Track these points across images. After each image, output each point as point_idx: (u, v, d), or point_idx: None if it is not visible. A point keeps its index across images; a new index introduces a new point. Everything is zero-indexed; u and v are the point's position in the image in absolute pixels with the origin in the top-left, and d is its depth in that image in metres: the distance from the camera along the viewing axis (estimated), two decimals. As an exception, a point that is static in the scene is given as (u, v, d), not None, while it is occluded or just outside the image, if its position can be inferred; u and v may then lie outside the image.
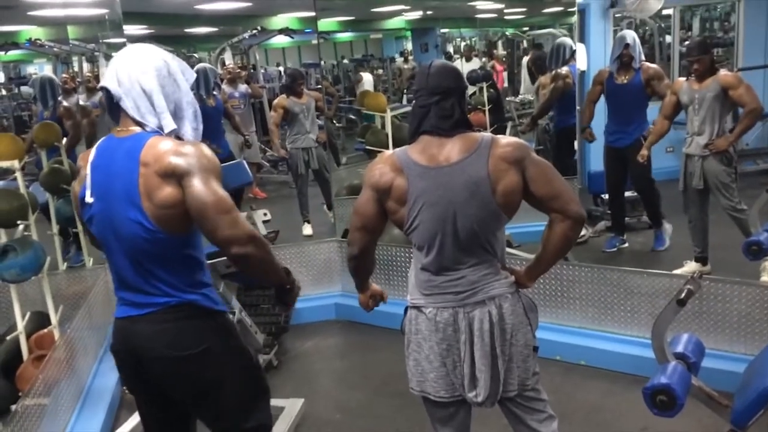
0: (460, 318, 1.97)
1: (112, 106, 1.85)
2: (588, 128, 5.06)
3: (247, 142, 6.68)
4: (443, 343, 2.00)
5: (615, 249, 5.06)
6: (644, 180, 4.89)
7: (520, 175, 1.91)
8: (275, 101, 6.03)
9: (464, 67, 7.68)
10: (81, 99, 6.23)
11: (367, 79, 9.52)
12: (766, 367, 2.26)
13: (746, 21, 6.74)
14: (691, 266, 4.35)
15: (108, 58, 6.68)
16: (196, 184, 1.71)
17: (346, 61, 12.74)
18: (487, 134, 1.97)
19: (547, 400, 2.11)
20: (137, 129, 1.81)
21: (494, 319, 1.95)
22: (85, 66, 7.37)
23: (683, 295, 2.15)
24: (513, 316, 1.98)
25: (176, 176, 1.72)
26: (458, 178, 1.90)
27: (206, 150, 1.78)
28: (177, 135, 1.85)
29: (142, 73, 1.80)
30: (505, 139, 1.96)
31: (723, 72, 4.12)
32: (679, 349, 2.28)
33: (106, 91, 1.82)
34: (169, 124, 1.82)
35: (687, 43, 5.45)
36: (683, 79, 4.27)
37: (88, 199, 1.83)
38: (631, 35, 4.75)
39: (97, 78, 6.66)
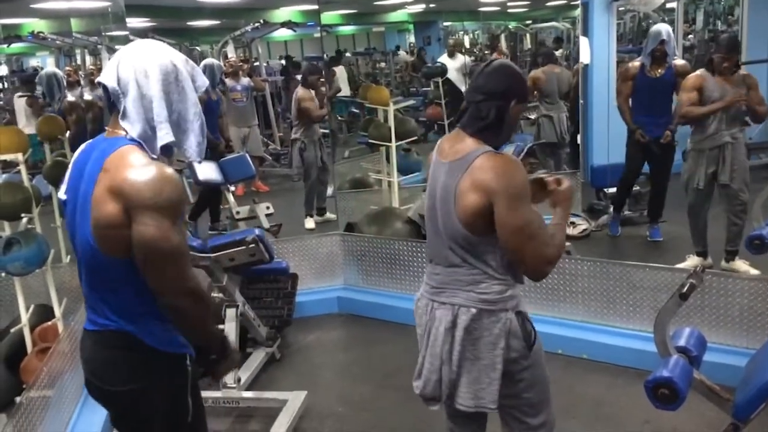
0: (429, 310, 2.04)
1: (110, 103, 1.65)
2: (638, 128, 4.84)
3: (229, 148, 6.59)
4: (419, 329, 2.10)
5: (619, 233, 5.15)
6: (666, 172, 4.92)
7: (484, 201, 1.83)
8: (303, 94, 5.97)
9: (447, 64, 7.71)
10: (85, 92, 6.24)
11: (340, 73, 9.44)
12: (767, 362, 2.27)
13: (750, 14, 6.70)
14: (693, 260, 4.36)
15: (111, 51, 6.68)
16: (148, 223, 1.50)
17: (348, 54, 12.71)
18: (481, 149, 1.89)
19: (528, 423, 2.06)
20: (123, 132, 1.61)
21: (447, 325, 1.98)
22: (88, 59, 7.36)
23: (686, 288, 2.15)
24: (473, 332, 1.94)
25: (121, 199, 1.51)
26: (442, 177, 1.96)
27: (172, 183, 1.54)
28: (170, 148, 1.65)
29: (144, 76, 1.59)
30: (489, 163, 1.85)
31: (745, 71, 4.15)
32: (681, 342, 2.29)
33: (104, 87, 1.63)
34: (166, 136, 1.60)
35: (718, 37, 5.42)
36: (704, 73, 4.16)
37: (61, 195, 1.69)
38: (666, 30, 4.69)
39: (100, 71, 6.67)
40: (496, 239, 1.89)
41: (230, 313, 3.43)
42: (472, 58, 10.46)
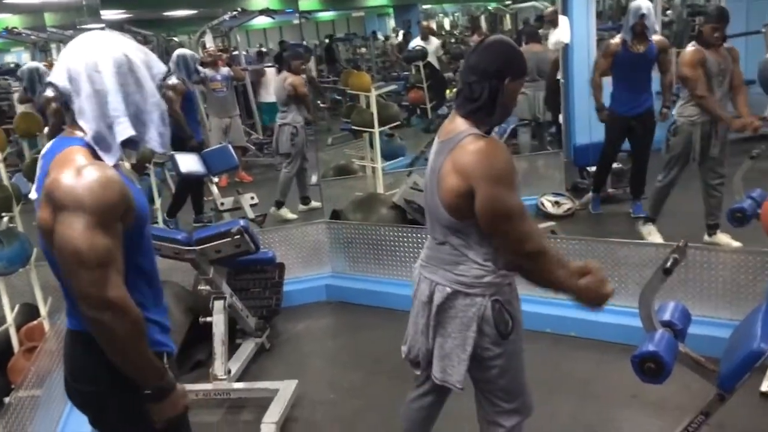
0: (418, 281, 2.10)
1: (64, 103, 1.55)
2: (605, 108, 4.93)
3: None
4: (413, 294, 2.15)
5: (601, 211, 5.20)
6: (646, 150, 4.97)
7: (465, 185, 1.82)
8: (295, 79, 5.88)
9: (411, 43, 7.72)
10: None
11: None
12: (751, 332, 2.29)
13: (727, -11, 6.73)
14: (651, 228, 4.49)
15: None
16: (63, 224, 1.40)
17: (328, 40, 12.63)
18: (468, 131, 1.87)
19: (501, 407, 2.09)
20: (80, 133, 1.52)
21: (423, 299, 2.04)
22: (64, 53, 7.22)
23: (669, 263, 2.16)
24: (447, 311, 1.98)
25: (52, 200, 1.43)
26: (433, 156, 1.98)
27: (103, 183, 1.42)
28: (134, 141, 1.56)
29: (95, 70, 1.49)
30: (471, 147, 1.83)
31: (729, 44, 4.20)
32: (666, 317, 2.31)
33: (54, 87, 1.53)
34: (125, 131, 1.52)
35: (707, 9, 5.46)
36: (700, 48, 4.12)
37: (32, 194, 1.58)
38: (646, 5, 4.68)
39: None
40: (474, 225, 1.89)
41: (218, 304, 3.43)
42: (453, 40, 10.45)
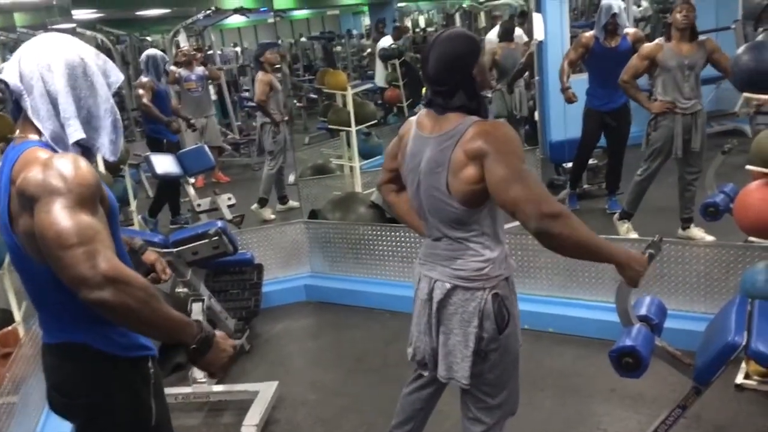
0: (418, 280, 2.09)
1: (14, 104, 1.52)
2: (569, 88, 4.96)
3: (192, 127, 6.50)
4: (414, 294, 2.12)
5: (578, 207, 5.20)
6: (623, 145, 5.01)
7: (479, 169, 1.82)
8: (264, 78, 5.83)
9: (379, 43, 7.73)
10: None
11: None
12: (725, 325, 2.33)
13: (698, -15, 6.82)
14: (626, 225, 4.54)
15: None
16: (40, 213, 1.35)
17: (303, 39, 12.58)
18: (468, 120, 1.87)
19: (485, 402, 2.07)
20: (34, 136, 1.49)
21: (424, 297, 2.04)
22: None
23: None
24: (448, 307, 1.98)
25: (27, 199, 1.38)
26: (428, 151, 1.94)
27: (77, 167, 1.39)
28: (86, 147, 1.53)
29: (48, 70, 1.47)
30: (478, 130, 1.83)
31: (704, 37, 4.26)
32: (643, 311, 2.34)
33: (5, 84, 1.49)
34: (75, 133, 1.48)
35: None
36: (662, 42, 4.24)
37: None
38: (617, 3, 4.73)
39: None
40: (483, 212, 1.90)
41: (196, 307, 3.40)
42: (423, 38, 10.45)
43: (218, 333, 1.59)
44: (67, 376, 1.60)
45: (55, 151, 1.47)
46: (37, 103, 1.48)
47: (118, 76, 1.60)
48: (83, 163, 1.43)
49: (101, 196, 1.46)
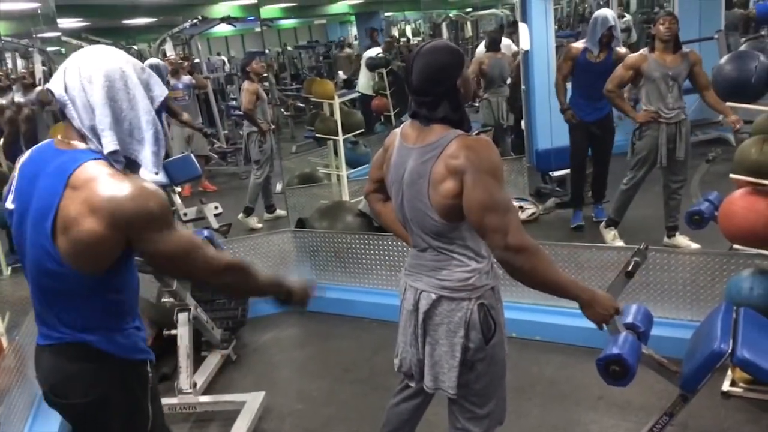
0: (404, 290, 2.09)
1: (61, 112, 1.59)
2: (570, 108, 4.96)
3: (204, 133, 6.50)
4: (400, 305, 2.12)
5: (583, 222, 5.11)
6: (607, 155, 5.03)
7: (458, 185, 1.82)
8: (250, 87, 5.84)
9: (366, 53, 7.76)
10: (17, 96, 6.02)
11: None
12: (711, 333, 2.35)
13: (681, -3, 6.91)
14: (613, 233, 4.55)
15: (43, 53, 6.47)
16: (155, 239, 1.52)
17: (290, 48, 12.60)
18: (451, 133, 1.86)
19: (473, 412, 2.06)
20: (79, 144, 1.55)
21: (409, 308, 2.03)
22: (20, 62, 7.11)
23: (631, 266, 2.21)
24: (434, 318, 1.97)
25: (110, 220, 1.47)
26: (410, 162, 1.93)
27: (155, 194, 1.52)
28: (132, 160, 1.60)
29: (89, 82, 1.53)
30: (460, 145, 1.83)
31: (688, 49, 4.31)
32: (629, 319, 2.35)
33: (52, 94, 1.57)
34: (110, 144, 1.53)
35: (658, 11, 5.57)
36: (646, 53, 4.27)
37: (8, 204, 1.61)
38: (612, 16, 4.73)
39: (32, 74, 6.44)
40: (465, 225, 1.90)
41: (182, 317, 3.37)
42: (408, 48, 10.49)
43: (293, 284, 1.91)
44: (66, 376, 1.63)
45: (110, 163, 1.54)
46: (81, 114, 1.54)
47: (162, 91, 1.65)
48: (155, 187, 1.55)
49: None
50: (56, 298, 1.60)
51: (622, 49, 4.85)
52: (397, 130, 2.07)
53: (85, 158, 1.52)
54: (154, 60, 6.06)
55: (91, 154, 1.53)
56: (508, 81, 6.12)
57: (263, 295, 1.87)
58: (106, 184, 1.48)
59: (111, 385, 1.64)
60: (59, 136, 1.59)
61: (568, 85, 5.02)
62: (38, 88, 6.22)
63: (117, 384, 1.65)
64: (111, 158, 1.54)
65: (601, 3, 8.32)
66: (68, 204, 1.48)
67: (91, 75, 1.53)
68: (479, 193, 1.78)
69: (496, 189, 1.80)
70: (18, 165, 1.65)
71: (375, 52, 8.50)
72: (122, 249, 1.53)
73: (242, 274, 1.72)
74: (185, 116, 6.44)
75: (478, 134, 1.95)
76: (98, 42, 8.04)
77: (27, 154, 1.65)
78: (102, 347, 1.62)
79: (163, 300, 3.40)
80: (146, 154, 1.59)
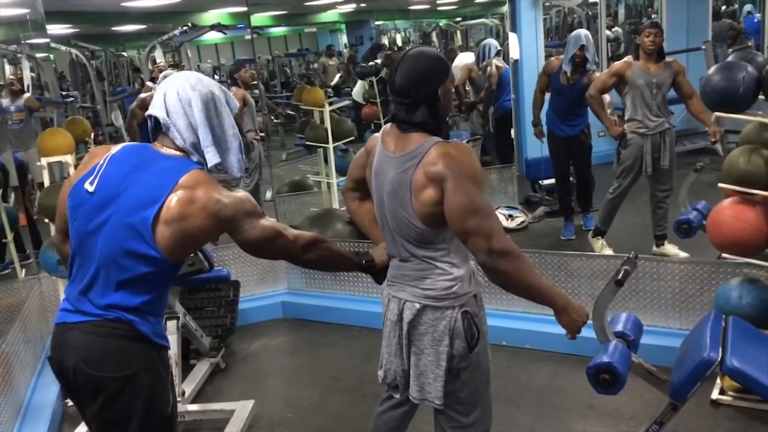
0: (387, 301, 2.07)
1: (155, 131, 1.85)
2: (539, 124, 5.06)
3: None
4: (384, 316, 2.10)
5: (574, 237, 5.10)
6: (586, 167, 5.07)
7: (439, 192, 1.82)
8: (238, 93, 5.83)
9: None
10: (5, 102, 5.98)
11: None
12: (701, 341, 2.35)
13: (669, 7, 6.98)
14: (600, 242, 4.57)
15: (31, 59, 6.43)
16: (250, 227, 1.79)
17: (278, 53, 12.60)
18: (430, 141, 1.87)
19: (458, 421, 2.05)
20: (179, 153, 1.81)
21: (394, 318, 2.02)
22: (8, 68, 7.07)
23: (621, 275, 2.21)
24: (418, 327, 1.97)
25: (218, 218, 1.74)
26: (391, 171, 1.93)
27: (247, 196, 1.82)
28: (219, 168, 1.86)
29: (189, 106, 1.80)
30: (439, 152, 1.83)
31: (671, 58, 4.34)
32: (619, 327, 2.35)
33: (155, 119, 1.82)
34: (214, 158, 1.83)
35: (643, 21, 5.61)
36: (630, 60, 4.30)
37: (89, 186, 1.78)
38: (585, 35, 4.75)
39: (20, 80, 6.39)
40: (449, 232, 1.90)
41: (171, 325, 3.34)
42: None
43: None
44: (103, 350, 1.76)
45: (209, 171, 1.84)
46: (183, 134, 1.80)
47: (234, 103, 1.92)
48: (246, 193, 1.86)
49: None
50: (128, 277, 1.74)
51: (596, 74, 4.86)
52: (378, 135, 2.07)
53: (193, 166, 1.79)
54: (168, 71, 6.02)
55: (195, 164, 1.80)
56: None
57: (349, 266, 2.08)
58: (215, 189, 1.75)
59: (142, 365, 1.78)
60: (159, 143, 1.83)
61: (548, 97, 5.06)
62: (26, 95, 6.19)
63: (147, 364, 1.79)
64: (212, 170, 1.83)
65: (590, 14, 8.38)
66: (177, 200, 1.71)
67: (190, 99, 1.80)
68: (460, 198, 1.79)
69: (477, 194, 1.81)
70: (105, 153, 1.84)
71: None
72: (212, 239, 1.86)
73: (323, 249, 1.92)
74: None
75: (468, 142, 1.95)
76: (87, 48, 8.03)
77: (117, 148, 1.85)
78: (140, 327, 1.77)
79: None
80: (232, 161, 1.89)
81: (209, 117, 1.82)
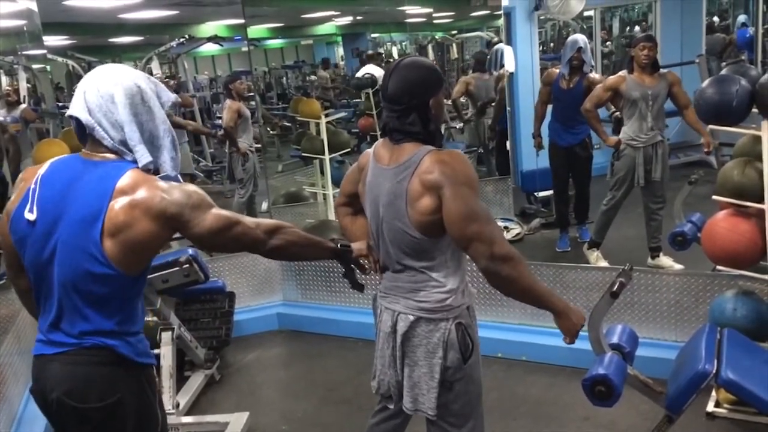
0: (380, 312, 2.08)
1: (82, 133, 1.69)
2: (539, 136, 5.08)
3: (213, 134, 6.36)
4: (377, 327, 2.11)
5: (569, 248, 5.11)
6: (585, 178, 5.07)
7: (436, 200, 1.83)
8: (233, 105, 5.87)
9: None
10: (0, 114, 5.97)
11: None
12: (696, 354, 2.36)
13: (663, 20, 7.03)
14: (596, 254, 4.58)
15: (28, 70, 6.43)
16: (198, 224, 1.65)
17: (274, 64, 12.63)
18: (423, 150, 1.88)
19: None
20: (112, 156, 1.66)
21: (387, 330, 2.02)
22: (4, 79, 7.07)
23: (616, 287, 2.21)
24: (412, 339, 1.97)
25: (164, 219, 1.61)
26: (386, 183, 1.94)
27: (195, 189, 1.69)
28: (154, 167, 1.70)
29: (113, 103, 1.63)
30: (433, 160, 1.85)
31: (666, 70, 4.36)
32: (615, 339, 2.36)
33: (76, 120, 1.66)
34: (144, 157, 1.66)
35: (638, 34, 5.63)
36: (625, 74, 4.33)
37: (29, 215, 1.63)
38: (582, 39, 4.82)
39: (17, 91, 6.39)
40: (446, 241, 1.90)
41: (165, 336, 3.34)
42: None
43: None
44: (85, 380, 1.66)
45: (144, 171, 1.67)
46: (110, 132, 1.64)
47: (168, 96, 1.76)
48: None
49: None
50: (92, 301, 1.64)
51: (596, 75, 4.91)
52: (370, 150, 2.08)
53: (128, 167, 1.64)
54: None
55: (130, 164, 1.65)
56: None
57: (320, 252, 1.93)
58: (157, 187, 1.61)
59: (127, 389, 1.69)
60: (86, 150, 1.68)
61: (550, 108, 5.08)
62: (22, 106, 6.18)
63: (132, 387, 1.70)
64: (145, 168, 1.66)
65: (585, 27, 8.43)
66: (119, 208, 1.58)
67: (113, 95, 1.63)
68: (459, 205, 1.80)
69: (474, 200, 1.83)
70: (33, 176, 1.68)
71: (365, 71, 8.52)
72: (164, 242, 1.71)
73: (289, 234, 1.78)
74: (191, 125, 6.37)
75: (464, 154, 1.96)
76: (83, 59, 8.03)
77: (45, 166, 1.70)
78: (120, 350, 1.67)
79: (147, 319, 3.36)
80: (165, 159, 1.72)
81: (136, 113, 1.65)
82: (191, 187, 1.68)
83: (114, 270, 1.60)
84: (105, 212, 1.58)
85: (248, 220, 1.73)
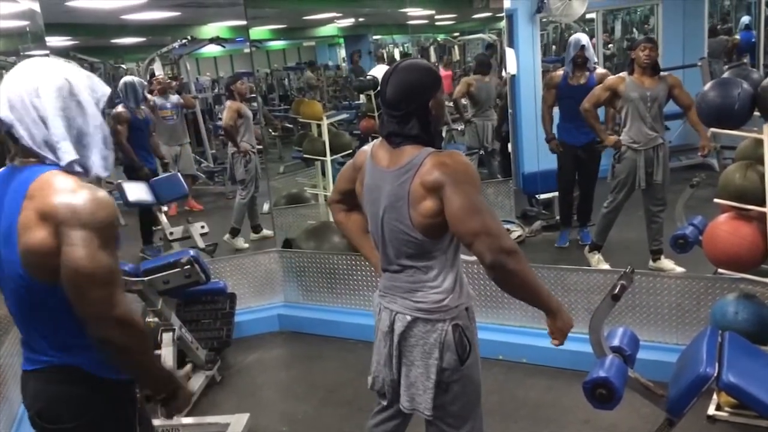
0: (378, 311, 2.09)
1: (8, 133, 1.53)
2: (554, 138, 5.06)
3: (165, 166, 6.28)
4: (375, 325, 2.12)
5: (567, 244, 5.16)
6: (593, 178, 5.07)
7: (438, 201, 1.83)
8: (233, 105, 5.88)
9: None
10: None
11: None
12: (697, 357, 2.36)
13: (664, 23, 7.03)
14: (597, 256, 4.59)
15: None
16: (75, 243, 1.42)
17: (276, 65, 12.65)
18: (423, 152, 1.88)
19: None
20: (32, 160, 1.52)
21: (385, 329, 2.03)
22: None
23: (617, 290, 2.22)
24: (409, 339, 1.98)
25: (52, 221, 1.44)
26: (387, 185, 1.94)
27: (104, 204, 1.47)
28: (83, 166, 1.55)
29: (37, 96, 1.49)
30: (434, 162, 1.84)
31: (666, 72, 4.37)
32: (616, 342, 2.36)
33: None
34: (68, 155, 1.50)
35: (638, 37, 5.63)
36: (624, 75, 4.34)
37: None
38: (585, 38, 4.86)
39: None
40: (446, 241, 1.91)
41: (166, 337, 3.34)
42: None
43: (183, 386, 1.75)
44: (55, 400, 1.59)
45: (69, 173, 1.52)
46: (32, 130, 1.50)
47: (104, 90, 1.62)
48: (108, 198, 1.50)
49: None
50: (36, 316, 1.56)
51: (601, 70, 4.96)
52: (367, 148, 2.07)
53: (44, 170, 1.50)
54: (129, 78, 6.00)
55: (48, 166, 1.51)
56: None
57: (144, 375, 1.63)
58: (57, 191, 1.46)
59: (102, 407, 1.61)
60: (18, 158, 1.55)
61: (556, 110, 5.08)
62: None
63: (108, 406, 1.62)
64: (71, 168, 1.52)
65: (587, 30, 8.43)
66: (24, 214, 1.47)
67: (38, 88, 1.49)
68: (461, 201, 1.80)
69: (476, 196, 1.83)
70: None
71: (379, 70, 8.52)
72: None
73: (136, 339, 1.51)
74: (154, 140, 6.18)
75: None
76: (86, 60, 8.05)
77: None
78: (89, 369, 1.58)
79: (148, 320, 3.37)
80: (96, 159, 1.57)
81: (65, 107, 1.51)
82: (108, 205, 1.48)
83: (30, 280, 1.49)
84: (17, 221, 1.47)
85: (123, 296, 1.49)
